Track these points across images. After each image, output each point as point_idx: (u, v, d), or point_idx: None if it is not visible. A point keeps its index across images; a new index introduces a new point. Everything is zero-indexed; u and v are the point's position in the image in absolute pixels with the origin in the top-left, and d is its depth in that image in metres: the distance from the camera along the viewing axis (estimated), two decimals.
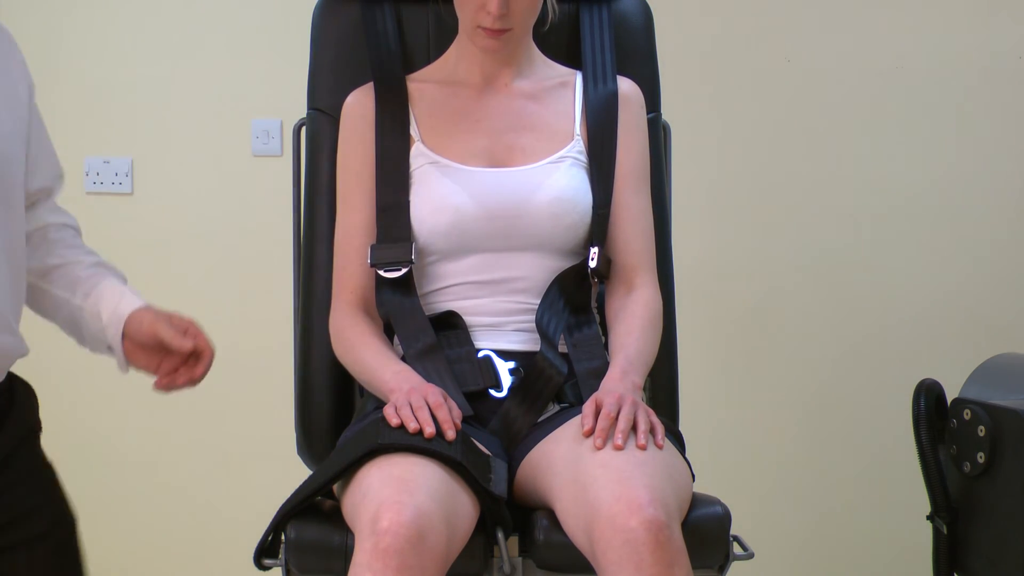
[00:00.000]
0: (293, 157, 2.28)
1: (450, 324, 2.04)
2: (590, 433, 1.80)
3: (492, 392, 1.99)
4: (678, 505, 1.75)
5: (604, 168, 2.08)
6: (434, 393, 1.89)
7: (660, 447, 1.80)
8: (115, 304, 1.89)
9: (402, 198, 2.04)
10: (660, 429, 1.83)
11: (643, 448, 1.78)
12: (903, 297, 3.23)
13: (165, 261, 3.21)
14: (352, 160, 2.09)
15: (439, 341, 2.01)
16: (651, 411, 1.85)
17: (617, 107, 2.11)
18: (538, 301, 2.04)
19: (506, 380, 2.00)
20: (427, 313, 2.04)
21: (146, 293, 1.94)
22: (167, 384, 1.89)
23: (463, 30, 2.08)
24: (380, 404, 1.96)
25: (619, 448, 1.77)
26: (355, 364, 2.03)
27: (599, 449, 1.78)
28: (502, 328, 2.04)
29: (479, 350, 2.02)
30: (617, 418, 1.81)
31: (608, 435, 1.79)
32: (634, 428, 1.81)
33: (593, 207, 2.06)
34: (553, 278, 2.04)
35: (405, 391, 1.89)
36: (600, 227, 2.06)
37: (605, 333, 2.09)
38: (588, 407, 1.85)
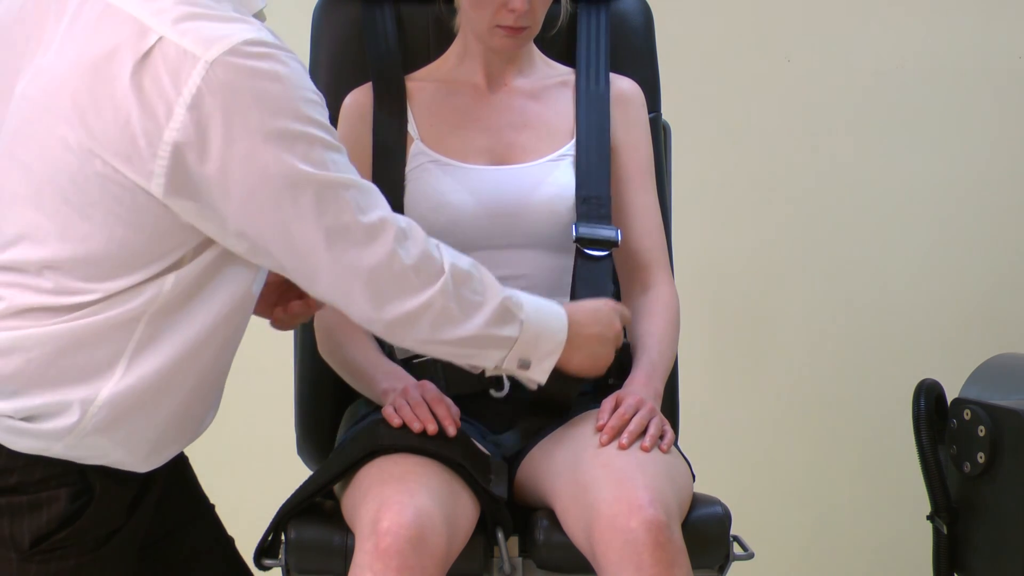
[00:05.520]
0: None
1: None
2: (603, 428, 1.81)
3: (493, 392, 1.99)
4: (678, 505, 1.75)
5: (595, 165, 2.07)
6: (430, 389, 1.88)
7: (664, 452, 1.81)
8: None
9: (398, 198, 2.03)
10: (669, 438, 1.83)
11: (646, 451, 1.78)
12: (903, 297, 3.23)
13: None
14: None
15: None
16: (666, 421, 1.86)
17: (608, 108, 2.10)
18: None
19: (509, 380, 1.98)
20: None
21: None
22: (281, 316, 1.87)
23: (475, 31, 2.04)
24: (374, 406, 1.95)
25: (623, 447, 1.77)
26: (343, 363, 2.01)
27: (604, 445, 1.78)
28: None
29: None
30: (630, 420, 1.82)
31: (616, 434, 1.80)
32: (643, 433, 1.81)
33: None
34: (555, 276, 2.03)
35: (400, 390, 1.89)
36: None
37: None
38: (607, 404, 1.85)
